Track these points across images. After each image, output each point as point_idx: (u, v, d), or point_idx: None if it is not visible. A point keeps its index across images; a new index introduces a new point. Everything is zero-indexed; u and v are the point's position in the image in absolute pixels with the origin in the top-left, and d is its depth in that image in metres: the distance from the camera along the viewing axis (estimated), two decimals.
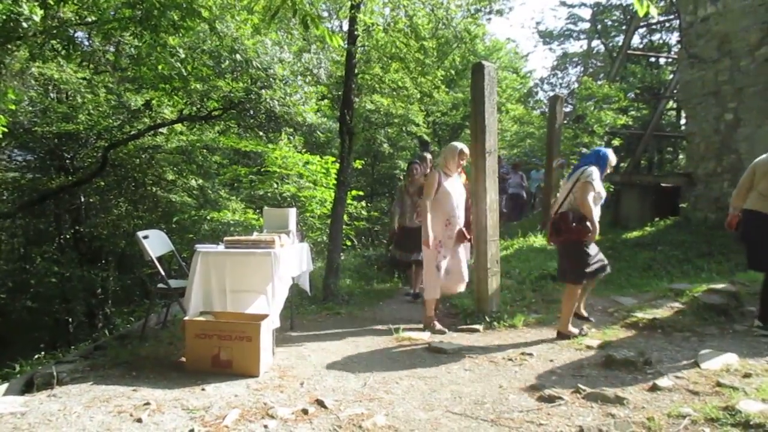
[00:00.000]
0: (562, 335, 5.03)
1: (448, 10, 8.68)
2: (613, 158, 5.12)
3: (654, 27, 22.06)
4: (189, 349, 4.10)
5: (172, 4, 6.11)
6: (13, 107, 7.00)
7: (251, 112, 10.83)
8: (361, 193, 12.40)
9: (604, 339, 4.86)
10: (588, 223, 4.80)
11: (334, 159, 10.78)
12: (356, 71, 8.32)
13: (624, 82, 17.25)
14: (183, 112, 10.95)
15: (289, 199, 10.56)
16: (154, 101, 10.55)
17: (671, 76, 18.88)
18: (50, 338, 12.41)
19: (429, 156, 8.78)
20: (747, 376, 3.69)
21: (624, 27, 22.76)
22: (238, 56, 9.08)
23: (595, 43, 27.34)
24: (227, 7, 8.67)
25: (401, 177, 15.02)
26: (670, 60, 21.38)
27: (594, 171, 4.88)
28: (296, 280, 5.54)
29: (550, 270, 7.44)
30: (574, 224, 4.80)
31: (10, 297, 12.03)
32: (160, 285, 5.08)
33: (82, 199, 13.09)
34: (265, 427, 3.08)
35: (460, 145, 5.72)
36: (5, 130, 5.79)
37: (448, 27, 8.93)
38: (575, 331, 5.06)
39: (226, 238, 4.75)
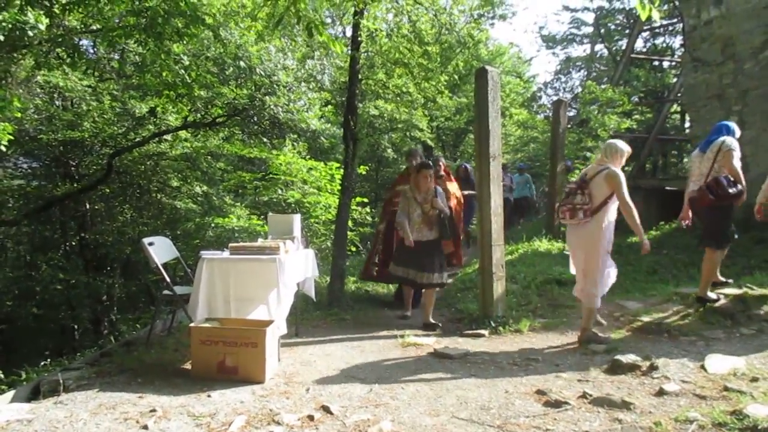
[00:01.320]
0: (702, 299, 5.33)
1: (451, 15, 8.70)
2: (738, 129, 5.45)
3: (657, 31, 22.08)
4: (194, 356, 4.11)
5: (176, 12, 6.13)
6: (19, 115, 7.03)
7: (255, 118, 10.86)
8: (365, 199, 12.40)
9: (610, 344, 4.84)
10: (740, 187, 5.11)
11: (338, 165, 10.79)
12: (360, 77, 8.34)
13: (628, 86, 17.27)
14: (187, 119, 10.99)
15: (293, 205, 10.58)
16: (158, 108, 10.60)
17: (675, 80, 18.87)
18: (56, 345, 12.43)
19: (441, 158, 8.38)
20: (754, 380, 3.67)
21: (627, 31, 22.79)
22: (242, 63, 9.10)
23: (599, 47, 27.39)
24: (231, 14, 8.70)
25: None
26: (673, 63, 21.38)
27: (733, 141, 5.20)
28: (301, 286, 5.54)
29: (555, 274, 7.43)
30: (730, 189, 5.04)
31: (16, 304, 12.05)
32: (166, 291, 5.08)
33: (88, 206, 13.12)
34: None
35: (625, 145, 5.04)
36: (11, 138, 5.80)
37: (451, 32, 8.92)
38: (713, 296, 5.35)
39: (231, 245, 4.76)
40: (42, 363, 7.38)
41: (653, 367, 4.01)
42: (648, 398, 3.51)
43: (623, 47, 20.40)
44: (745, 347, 4.51)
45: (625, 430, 3.05)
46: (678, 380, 3.76)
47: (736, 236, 5.39)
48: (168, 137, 12.05)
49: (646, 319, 5.39)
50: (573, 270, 5.20)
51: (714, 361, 4.06)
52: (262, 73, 9.58)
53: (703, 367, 4.00)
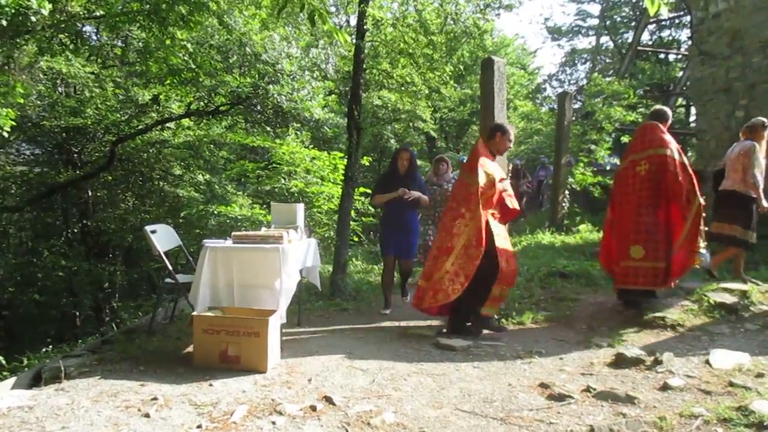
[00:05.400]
0: None
1: (457, 4, 8.62)
2: None
3: (664, 23, 21.99)
4: (197, 345, 4.09)
5: None
6: (22, 101, 7.00)
7: (258, 107, 10.82)
8: (368, 189, 12.38)
9: (614, 337, 4.82)
10: None
11: (341, 154, 10.75)
12: (364, 66, 8.27)
13: (633, 79, 17.16)
14: (190, 107, 10.96)
15: (296, 195, 10.55)
16: (161, 96, 10.56)
17: (681, 73, 18.78)
18: (57, 332, 12.46)
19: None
20: (760, 375, 3.64)
21: (633, 23, 22.65)
22: (248, 49, 9.05)
23: (604, 39, 27.31)
24: (235, 1, 8.64)
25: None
26: (680, 57, 21.27)
27: None
28: (306, 275, 5.53)
29: (559, 267, 7.40)
30: None
31: (17, 290, 12.08)
32: (168, 279, 5.07)
33: (90, 194, 13.12)
34: (273, 423, 3.06)
35: None
36: (14, 124, 5.78)
37: (456, 22, 8.83)
38: None
39: (234, 233, 4.73)
40: (44, 350, 7.38)
41: (657, 362, 3.98)
42: (652, 393, 3.49)
43: (629, 40, 20.34)
44: (750, 343, 4.48)
45: (629, 424, 3.03)
46: (682, 375, 3.74)
47: None
48: (171, 125, 12.03)
49: (650, 313, 5.36)
50: None
51: (719, 356, 4.04)
52: (266, 61, 9.53)
53: (707, 362, 3.97)
